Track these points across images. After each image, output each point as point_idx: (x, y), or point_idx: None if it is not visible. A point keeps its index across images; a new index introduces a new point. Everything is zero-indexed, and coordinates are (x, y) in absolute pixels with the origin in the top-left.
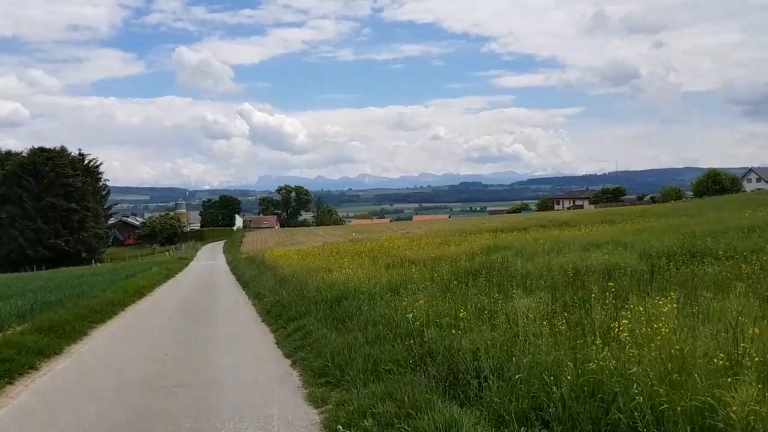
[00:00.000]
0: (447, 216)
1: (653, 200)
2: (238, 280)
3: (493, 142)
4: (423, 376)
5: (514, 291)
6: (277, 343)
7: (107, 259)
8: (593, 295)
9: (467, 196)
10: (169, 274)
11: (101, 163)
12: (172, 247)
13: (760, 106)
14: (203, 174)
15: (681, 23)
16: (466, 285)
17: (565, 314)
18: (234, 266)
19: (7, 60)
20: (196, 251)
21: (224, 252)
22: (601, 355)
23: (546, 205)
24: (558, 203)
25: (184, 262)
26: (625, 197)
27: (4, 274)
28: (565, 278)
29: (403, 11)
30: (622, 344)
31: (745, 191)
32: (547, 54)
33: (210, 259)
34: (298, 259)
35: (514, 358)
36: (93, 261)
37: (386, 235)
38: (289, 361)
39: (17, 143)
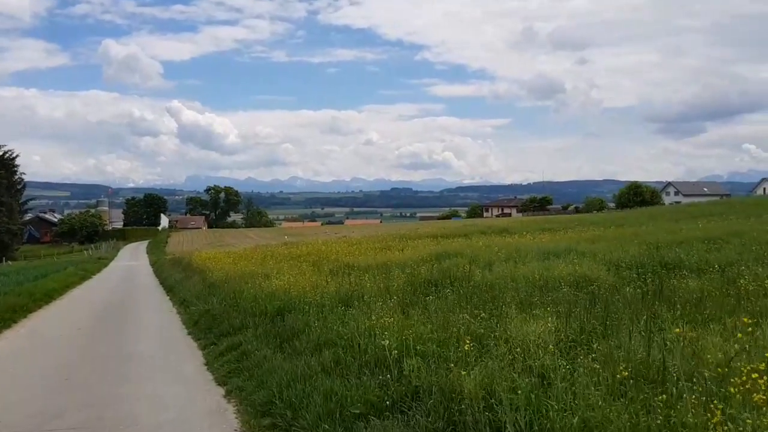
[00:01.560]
0: (378, 221)
1: (577, 210)
2: (161, 283)
3: (424, 149)
4: (408, 427)
5: (506, 309)
6: (206, 365)
7: (21, 257)
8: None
9: (398, 201)
10: (85, 275)
11: (17, 156)
12: (92, 246)
13: (674, 124)
14: (128, 172)
15: (604, 41)
16: (426, 297)
17: (595, 345)
18: (158, 268)
19: None
20: (118, 251)
21: (148, 252)
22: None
23: (475, 212)
24: (487, 210)
25: (103, 262)
26: (551, 206)
27: None
28: (540, 290)
29: (339, 15)
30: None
31: (664, 204)
32: (478, 65)
33: (132, 260)
34: (229, 262)
35: (550, 413)
36: (3, 259)
37: (322, 239)
38: (222, 390)
39: None
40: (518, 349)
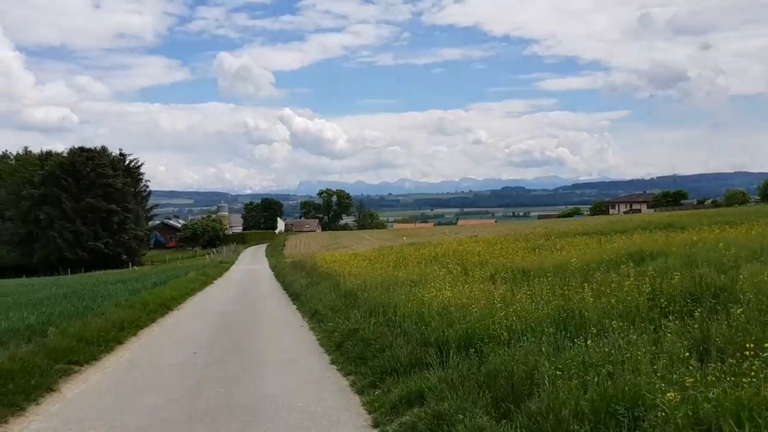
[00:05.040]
0: (493, 220)
1: (715, 204)
2: (285, 289)
3: (536, 146)
4: None
5: None
6: (375, 426)
7: (148, 262)
8: None
9: (510, 200)
10: (206, 280)
11: (142, 164)
12: (214, 249)
13: None
14: (245, 178)
15: (728, 25)
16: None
17: None
18: (279, 272)
19: (56, 67)
20: (238, 254)
21: (267, 256)
22: None
23: (599, 209)
24: (613, 207)
25: (224, 266)
26: (685, 201)
27: (29, 279)
28: None
29: (443, 15)
30: None
31: None
32: (591, 56)
33: (252, 263)
34: (357, 265)
35: None
36: (130, 264)
37: (447, 239)
38: None
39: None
40: None
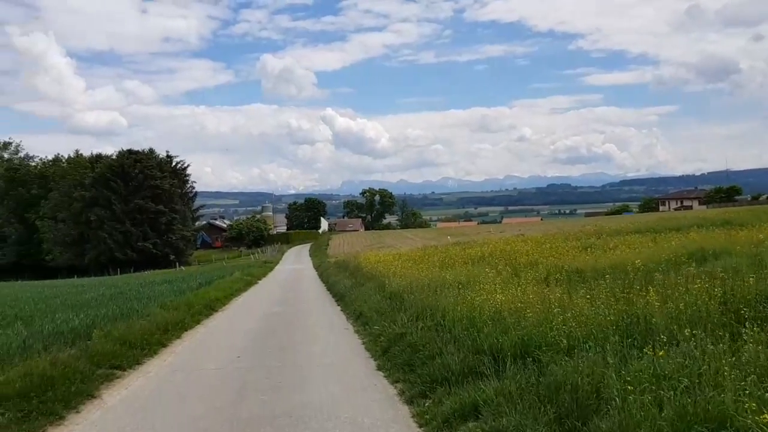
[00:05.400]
0: (539, 218)
1: None
2: (329, 289)
3: (582, 142)
4: None
5: None
6: None
7: (195, 262)
8: None
9: (555, 198)
10: (251, 280)
11: (188, 165)
12: (258, 249)
13: None
14: (289, 179)
15: None
16: None
17: None
18: (322, 272)
19: (105, 72)
20: (282, 254)
21: (311, 255)
22: None
23: (649, 206)
24: (663, 204)
25: (269, 266)
26: (739, 197)
27: (80, 279)
28: None
29: (486, 11)
30: None
31: None
32: (638, 50)
33: (296, 263)
34: (402, 265)
35: None
36: (177, 264)
37: (493, 238)
38: None
39: (116, 152)
40: None
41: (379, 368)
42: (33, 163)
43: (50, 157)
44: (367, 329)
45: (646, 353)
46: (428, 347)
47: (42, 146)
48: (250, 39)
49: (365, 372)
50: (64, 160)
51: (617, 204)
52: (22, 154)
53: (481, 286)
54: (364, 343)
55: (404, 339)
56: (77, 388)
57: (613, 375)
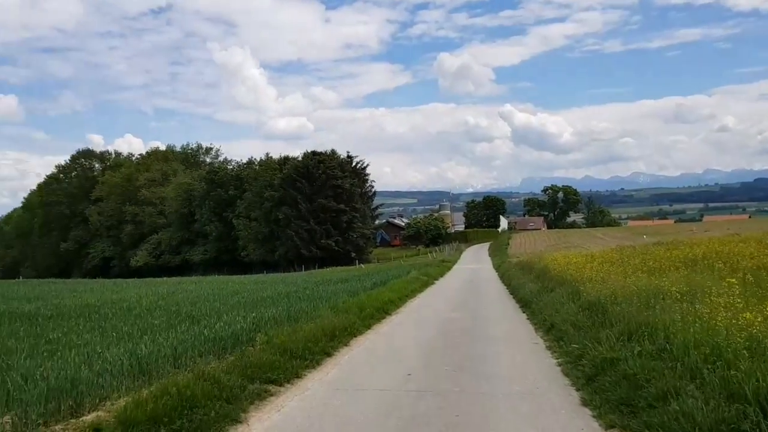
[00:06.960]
0: (745, 216)
1: None
2: (512, 294)
3: None
4: None
5: None
6: None
7: (374, 259)
8: None
9: (764, 194)
10: (427, 280)
11: (368, 165)
12: (436, 248)
13: None
14: (467, 177)
15: None
16: None
17: None
18: (503, 273)
19: (294, 80)
20: (460, 253)
21: (490, 255)
22: None
23: None
24: None
25: (446, 266)
26: None
27: (267, 275)
28: None
29: None
30: None
31: None
32: None
33: (475, 263)
34: (596, 269)
35: None
36: (357, 261)
37: (698, 237)
38: None
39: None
40: None
41: (585, 403)
42: (230, 167)
43: (244, 161)
44: (562, 347)
45: None
46: (654, 383)
47: (238, 151)
48: (427, 39)
49: (568, 407)
50: (256, 163)
51: None
52: (221, 159)
53: (713, 298)
54: (559, 365)
55: (616, 366)
56: (220, 410)
57: None
